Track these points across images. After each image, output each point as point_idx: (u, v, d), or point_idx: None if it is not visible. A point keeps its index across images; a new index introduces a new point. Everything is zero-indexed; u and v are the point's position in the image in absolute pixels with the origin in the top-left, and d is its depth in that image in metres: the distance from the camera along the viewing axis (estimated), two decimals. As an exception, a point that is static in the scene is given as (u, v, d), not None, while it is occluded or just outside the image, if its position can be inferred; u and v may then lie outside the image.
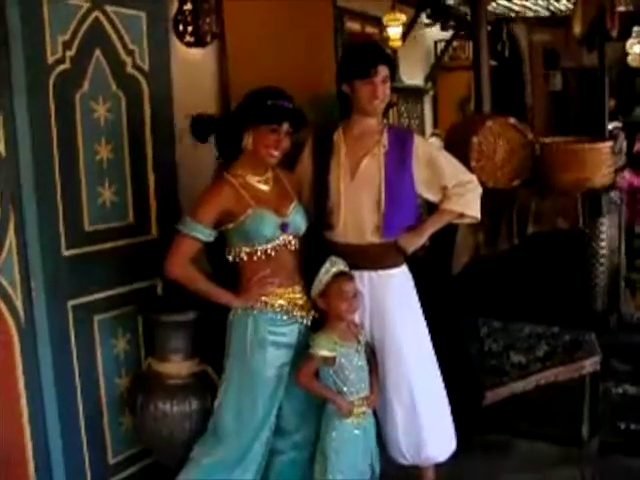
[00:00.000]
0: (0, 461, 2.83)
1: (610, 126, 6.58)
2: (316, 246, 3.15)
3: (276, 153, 2.95)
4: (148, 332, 3.33)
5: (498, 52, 8.06)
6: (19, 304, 2.90)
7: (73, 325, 3.09)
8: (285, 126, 2.93)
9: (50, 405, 3.00)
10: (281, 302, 3.00)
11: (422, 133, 7.85)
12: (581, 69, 7.32)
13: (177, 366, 3.20)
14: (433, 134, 8.06)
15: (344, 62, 3.27)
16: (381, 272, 3.15)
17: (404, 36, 7.33)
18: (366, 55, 3.13)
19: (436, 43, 8.73)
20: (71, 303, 3.08)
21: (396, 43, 7.14)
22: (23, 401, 2.91)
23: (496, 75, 5.38)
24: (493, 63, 6.18)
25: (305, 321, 3.07)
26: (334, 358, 2.98)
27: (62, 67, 3.00)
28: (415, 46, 8.22)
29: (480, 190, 3.22)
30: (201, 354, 3.26)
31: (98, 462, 3.22)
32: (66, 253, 3.05)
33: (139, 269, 3.33)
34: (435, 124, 8.63)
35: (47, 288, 2.96)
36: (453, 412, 3.29)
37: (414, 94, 8.30)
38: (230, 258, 3.01)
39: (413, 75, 8.26)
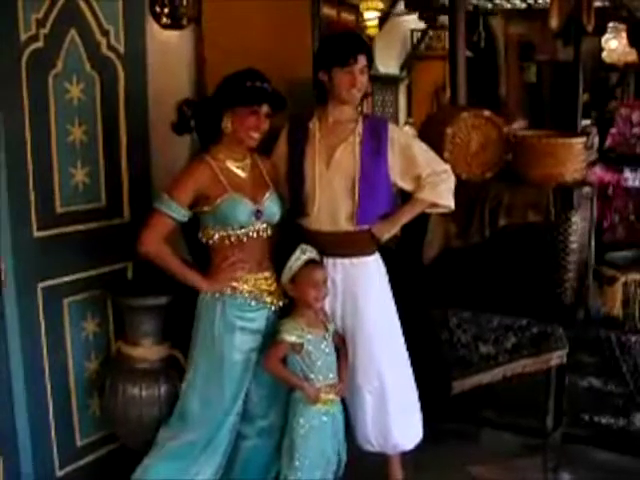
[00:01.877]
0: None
1: (582, 124, 6.63)
2: (290, 233, 3.15)
3: (256, 135, 2.96)
4: (118, 316, 3.31)
5: (474, 43, 8.08)
6: (-12, 285, 2.87)
7: (42, 307, 3.06)
8: (265, 108, 2.94)
9: (18, 387, 2.97)
10: (250, 288, 3.00)
11: (396, 122, 7.87)
12: (556, 62, 7.35)
13: (146, 350, 3.19)
14: (406, 123, 8.09)
15: (323, 50, 3.26)
16: (354, 260, 3.16)
17: (380, 24, 7.34)
18: (346, 44, 3.13)
19: (412, 32, 8.74)
20: (41, 285, 3.05)
21: (373, 30, 7.15)
22: (-10, 382, 2.89)
23: (471, 66, 5.40)
24: (469, 54, 6.19)
25: (274, 307, 3.08)
26: (301, 344, 3.00)
27: (35, 45, 2.94)
28: (391, 35, 8.25)
29: (453, 180, 3.24)
30: (171, 339, 3.25)
31: (66, 445, 3.21)
32: (37, 234, 3.01)
33: (110, 252, 3.29)
34: (409, 113, 8.66)
35: (17, 269, 2.93)
36: (421, 401, 3.32)
37: (389, 83, 8.33)
38: (203, 241, 3.01)
39: (388, 64, 8.29)
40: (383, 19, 7.67)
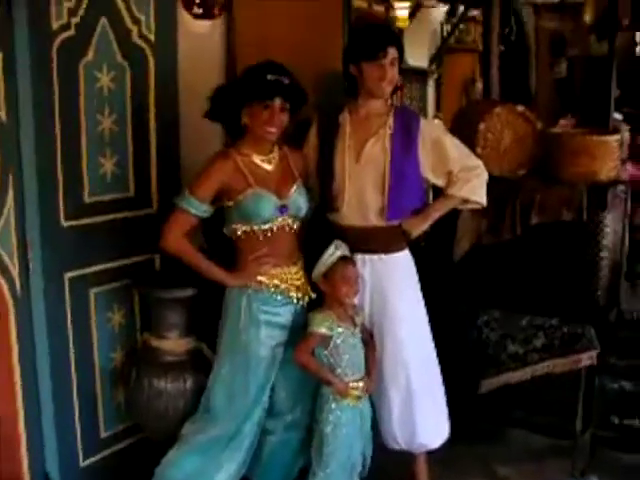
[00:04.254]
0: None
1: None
2: (320, 227, 3.12)
3: (272, 130, 2.90)
4: (144, 307, 3.30)
5: (505, 36, 7.97)
6: (15, 274, 2.86)
7: (69, 297, 3.05)
8: (278, 101, 2.86)
9: (43, 376, 2.98)
10: (276, 282, 2.98)
11: (425, 116, 7.78)
12: (588, 57, 7.24)
13: (173, 343, 3.18)
14: (435, 117, 8.00)
15: (352, 43, 3.21)
16: (384, 256, 3.12)
17: (410, 16, 7.27)
18: (375, 37, 3.08)
19: (442, 24, 8.65)
20: (68, 275, 3.04)
21: (403, 23, 7.08)
22: (16, 370, 2.89)
23: (502, 60, 5.33)
24: (501, 48, 6.11)
25: (300, 302, 3.05)
26: (330, 338, 2.96)
27: (67, 34, 2.93)
28: (421, 27, 8.14)
29: (486, 176, 3.18)
30: (197, 332, 3.24)
31: (90, 435, 3.21)
32: (65, 224, 3.00)
33: (137, 243, 3.28)
34: (438, 107, 8.57)
35: (44, 259, 2.92)
36: (448, 399, 3.28)
37: (418, 76, 8.24)
38: (227, 235, 2.99)
39: (418, 57, 8.19)
40: (413, 11, 7.58)
